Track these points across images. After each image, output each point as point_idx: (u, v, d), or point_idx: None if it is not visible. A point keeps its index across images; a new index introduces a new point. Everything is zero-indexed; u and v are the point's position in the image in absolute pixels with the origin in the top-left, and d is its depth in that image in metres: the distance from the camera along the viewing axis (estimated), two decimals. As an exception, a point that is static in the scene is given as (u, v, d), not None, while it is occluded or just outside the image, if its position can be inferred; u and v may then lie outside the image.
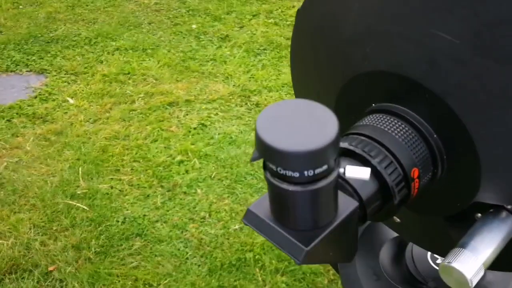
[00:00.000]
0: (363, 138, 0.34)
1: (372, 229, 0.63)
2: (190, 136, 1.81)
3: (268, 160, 0.27)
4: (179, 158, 1.72)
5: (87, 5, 2.55)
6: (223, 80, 2.06)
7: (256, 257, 1.39)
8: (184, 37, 2.31)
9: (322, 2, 0.39)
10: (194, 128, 1.84)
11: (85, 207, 1.56)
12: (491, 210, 0.36)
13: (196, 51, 2.22)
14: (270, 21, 2.45)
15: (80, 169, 1.68)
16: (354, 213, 0.31)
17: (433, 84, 0.33)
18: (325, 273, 1.34)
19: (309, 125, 0.27)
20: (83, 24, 2.41)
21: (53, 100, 1.98)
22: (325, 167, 0.27)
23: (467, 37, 0.30)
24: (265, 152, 0.27)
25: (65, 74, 2.12)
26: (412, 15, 0.33)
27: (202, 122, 1.86)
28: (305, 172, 0.27)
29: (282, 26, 2.41)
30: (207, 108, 1.92)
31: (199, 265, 1.42)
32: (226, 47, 2.24)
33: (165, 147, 1.77)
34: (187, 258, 1.44)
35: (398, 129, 0.34)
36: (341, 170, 0.29)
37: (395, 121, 0.35)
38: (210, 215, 1.54)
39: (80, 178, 1.65)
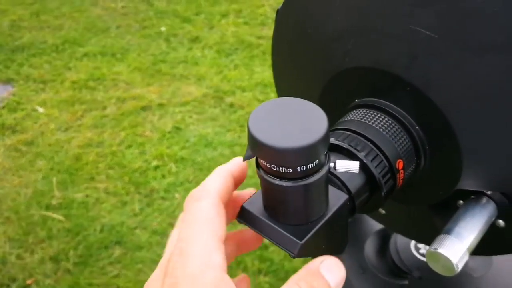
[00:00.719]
0: (348, 133, 0.35)
1: (355, 223, 0.64)
2: (165, 140, 1.79)
3: (262, 157, 0.28)
4: (155, 163, 1.71)
5: (52, 12, 2.49)
6: (195, 82, 2.05)
7: (238, 259, 1.39)
8: (153, 40, 2.29)
9: (302, 0, 0.40)
10: (169, 132, 1.82)
11: (61, 218, 1.53)
12: (473, 196, 0.37)
13: (166, 54, 2.20)
14: (240, 20, 2.45)
15: (54, 179, 1.65)
16: (344, 206, 0.32)
17: (414, 77, 0.34)
18: (308, 269, 1.35)
19: (300, 122, 0.28)
20: (49, 31, 2.36)
21: (22, 109, 1.93)
22: (316, 161, 0.28)
23: (444, 31, 0.31)
24: (258, 150, 0.27)
25: (33, 82, 2.07)
26: (391, 11, 0.33)
27: (177, 125, 1.85)
28: (298, 168, 0.27)
29: (253, 25, 2.41)
30: (181, 111, 1.91)
31: (181, 269, 1.42)
32: (197, 49, 2.23)
33: (140, 153, 1.75)
34: (168, 263, 1.43)
35: (382, 123, 0.35)
36: (331, 164, 0.29)
37: (378, 115, 0.36)
38: (189, 219, 1.53)
39: (55, 188, 1.62)
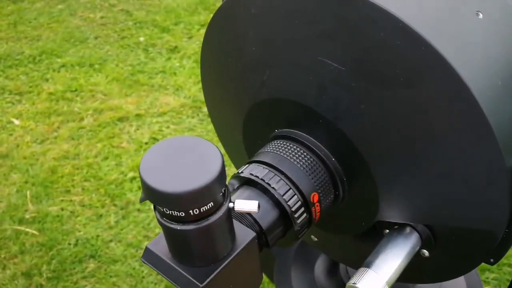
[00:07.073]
0: (263, 166, 0.34)
1: (306, 244, 0.64)
2: (142, 152, 1.78)
3: (152, 201, 0.27)
4: (131, 174, 1.69)
5: (30, 22, 2.47)
6: (173, 92, 2.04)
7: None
8: (132, 50, 2.28)
9: (222, 27, 0.39)
10: (146, 143, 1.81)
11: (34, 232, 1.51)
12: (396, 226, 0.37)
13: (145, 64, 2.19)
14: (219, 30, 2.44)
15: (28, 192, 1.63)
16: (252, 244, 0.31)
17: (324, 109, 0.33)
18: None
19: (192, 164, 0.27)
20: (26, 42, 2.34)
21: (-3, 122, 1.92)
22: (210, 204, 0.27)
23: (350, 64, 0.31)
24: (149, 194, 0.27)
25: (8, 94, 2.05)
26: (301, 43, 0.33)
27: (154, 136, 1.84)
28: (191, 211, 0.27)
29: (231, 35, 2.41)
30: (158, 121, 1.90)
31: (155, 283, 1.40)
32: (175, 59, 2.22)
33: (116, 164, 1.73)
34: (143, 277, 1.41)
35: (297, 155, 0.35)
36: (231, 204, 0.29)
37: (294, 147, 0.35)
38: (164, 231, 1.52)
39: (29, 202, 1.60)
